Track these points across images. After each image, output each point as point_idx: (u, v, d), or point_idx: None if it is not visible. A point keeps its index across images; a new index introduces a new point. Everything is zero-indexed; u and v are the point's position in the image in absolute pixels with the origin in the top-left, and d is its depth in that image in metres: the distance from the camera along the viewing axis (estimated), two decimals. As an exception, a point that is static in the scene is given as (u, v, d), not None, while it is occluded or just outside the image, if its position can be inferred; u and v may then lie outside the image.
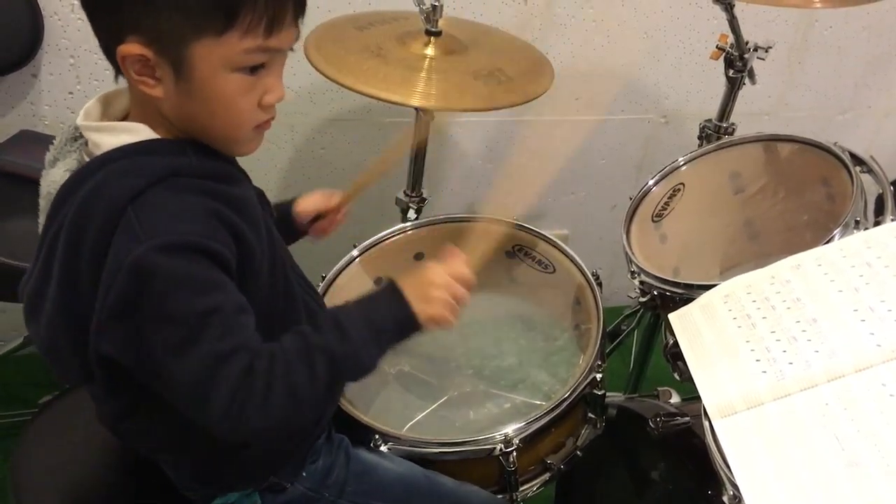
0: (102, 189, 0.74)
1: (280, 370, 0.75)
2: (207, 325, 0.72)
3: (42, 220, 0.82)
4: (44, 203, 0.82)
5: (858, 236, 1.00)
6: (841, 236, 1.07)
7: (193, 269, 0.72)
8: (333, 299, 1.25)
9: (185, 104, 0.77)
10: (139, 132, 0.78)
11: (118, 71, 0.77)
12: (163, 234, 0.71)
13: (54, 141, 0.84)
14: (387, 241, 1.38)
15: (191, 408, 0.76)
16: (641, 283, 1.25)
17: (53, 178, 0.80)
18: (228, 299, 0.75)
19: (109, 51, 0.76)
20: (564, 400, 1.10)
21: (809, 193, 1.33)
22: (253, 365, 0.73)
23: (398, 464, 1.05)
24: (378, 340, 0.81)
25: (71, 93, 1.59)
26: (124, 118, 0.83)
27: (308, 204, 1.12)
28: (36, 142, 1.53)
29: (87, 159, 0.79)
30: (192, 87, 0.75)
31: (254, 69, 0.77)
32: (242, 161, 0.89)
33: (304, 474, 0.97)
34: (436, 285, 0.82)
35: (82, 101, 1.59)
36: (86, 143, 0.84)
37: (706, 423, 0.87)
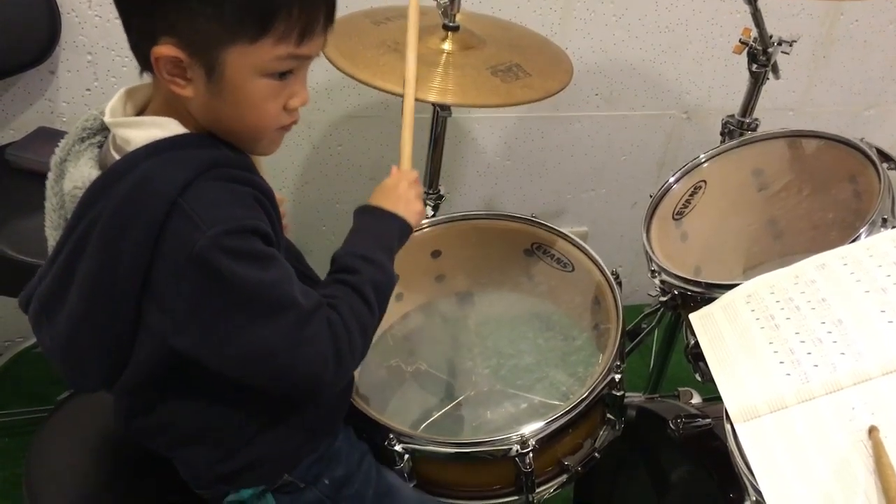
0: (149, 182, 0.74)
1: (347, 313, 0.84)
2: (284, 293, 0.78)
3: (50, 221, 0.82)
4: (56, 200, 0.82)
5: (885, 235, 0.98)
6: (867, 235, 1.04)
7: (255, 248, 0.76)
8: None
9: (213, 105, 0.78)
10: (168, 126, 0.79)
11: (144, 68, 0.78)
12: (222, 221, 0.73)
13: (60, 142, 0.84)
14: (404, 238, 1.37)
15: (280, 375, 0.81)
16: (662, 282, 1.23)
17: (80, 175, 0.80)
18: (287, 268, 0.81)
19: (139, 49, 0.77)
20: (583, 400, 1.08)
21: (835, 191, 1.30)
22: (329, 318, 0.82)
23: (417, 493, 1.07)
24: (391, 257, 0.94)
25: (88, 89, 1.59)
26: (140, 112, 0.83)
27: None
28: (53, 139, 1.50)
29: (115, 156, 0.79)
30: (222, 90, 0.77)
31: (282, 75, 0.79)
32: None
33: (326, 482, 0.97)
34: (406, 189, 1.00)
35: (100, 98, 1.62)
36: (100, 144, 0.84)
37: (728, 427, 0.85)
